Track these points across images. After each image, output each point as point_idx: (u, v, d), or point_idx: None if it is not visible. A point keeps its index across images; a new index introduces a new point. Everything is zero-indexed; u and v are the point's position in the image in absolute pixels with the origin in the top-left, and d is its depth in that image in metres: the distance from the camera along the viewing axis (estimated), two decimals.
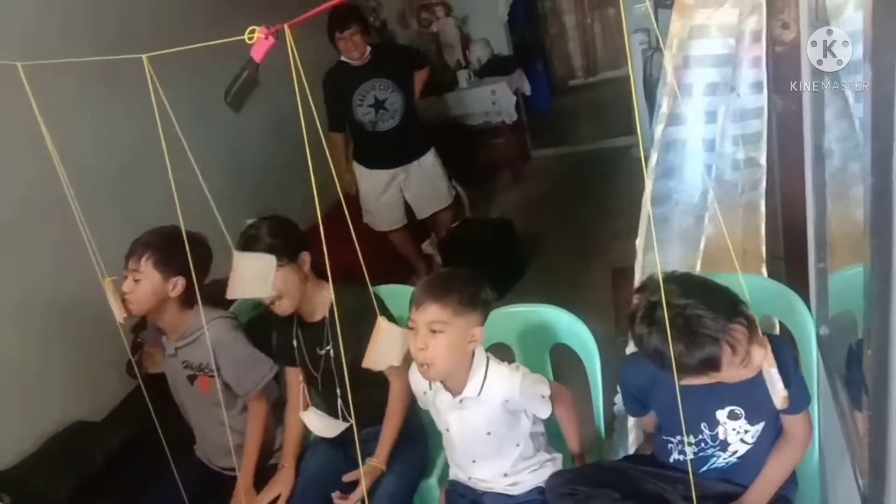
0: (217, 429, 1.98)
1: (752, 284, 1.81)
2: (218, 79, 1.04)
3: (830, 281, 1.45)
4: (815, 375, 1.59)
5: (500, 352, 1.94)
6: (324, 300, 1.88)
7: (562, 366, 1.97)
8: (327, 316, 1.87)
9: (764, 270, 1.89)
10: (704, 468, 1.56)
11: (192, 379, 1.98)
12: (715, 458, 1.54)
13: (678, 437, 1.58)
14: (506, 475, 1.70)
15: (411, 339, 1.54)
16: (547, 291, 3.62)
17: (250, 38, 0.92)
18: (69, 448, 2.32)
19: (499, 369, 1.62)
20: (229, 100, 0.96)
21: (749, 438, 1.50)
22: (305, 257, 1.84)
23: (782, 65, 1.70)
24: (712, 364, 1.27)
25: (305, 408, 1.92)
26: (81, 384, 2.57)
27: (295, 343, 1.93)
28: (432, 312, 1.51)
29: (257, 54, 0.91)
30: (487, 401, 1.61)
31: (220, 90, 1.02)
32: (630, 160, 5.03)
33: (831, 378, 1.35)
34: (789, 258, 1.88)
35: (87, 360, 2.58)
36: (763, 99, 1.73)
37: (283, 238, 1.80)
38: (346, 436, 1.88)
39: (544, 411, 1.64)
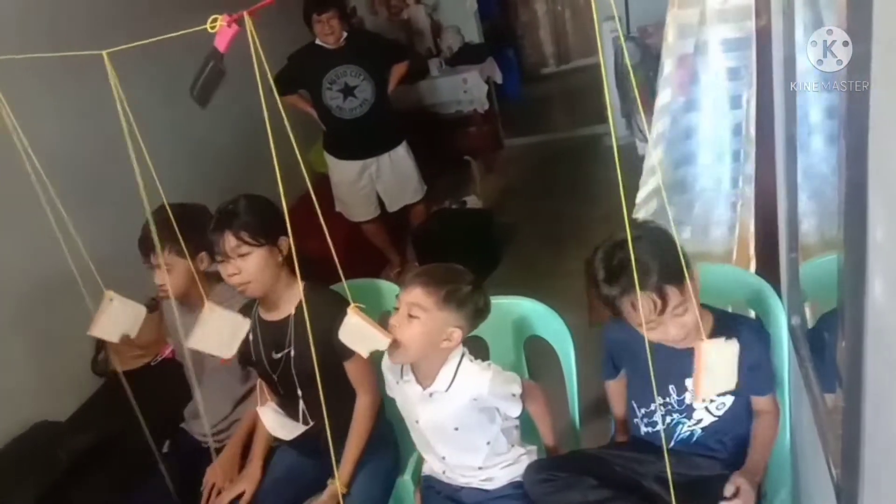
0: (222, 400, 2.04)
1: (725, 274, 1.83)
2: (187, 69, 1.01)
3: (802, 270, 1.45)
4: (787, 365, 1.60)
5: (475, 343, 1.93)
6: (290, 297, 1.79)
7: (536, 357, 1.96)
8: (293, 315, 1.78)
9: (752, 262, 1.89)
10: (672, 443, 1.60)
11: None
12: (680, 426, 1.58)
13: (643, 410, 1.64)
14: (480, 469, 1.69)
15: (392, 316, 1.53)
16: (522, 281, 3.62)
17: (212, 28, 0.89)
18: (33, 449, 2.27)
19: (470, 367, 1.61)
20: (195, 94, 0.93)
21: (714, 409, 1.55)
22: (284, 243, 1.74)
23: (756, 53, 1.69)
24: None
25: (263, 403, 1.84)
26: (45, 383, 2.51)
27: (251, 338, 1.82)
28: (415, 295, 1.49)
29: (220, 44, 0.88)
30: (456, 396, 1.59)
31: (190, 80, 0.99)
32: (603, 149, 5.04)
33: (803, 367, 1.35)
34: (760, 245, 1.89)
35: (50, 357, 2.52)
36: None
37: (261, 217, 1.71)
38: (314, 440, 1.84)
39: (514, 410, 1.63)
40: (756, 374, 1.51)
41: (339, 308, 1.74)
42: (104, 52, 1.04)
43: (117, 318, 1.52)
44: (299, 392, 1.79)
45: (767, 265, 1.77)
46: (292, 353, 1.77)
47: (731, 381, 1.05)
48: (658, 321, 1.39)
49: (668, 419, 1.59)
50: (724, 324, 1.52)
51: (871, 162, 0.78)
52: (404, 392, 1.67)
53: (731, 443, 1.58)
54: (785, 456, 1.65)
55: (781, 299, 1.61)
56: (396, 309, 1.53)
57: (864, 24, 0.74)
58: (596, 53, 6.35)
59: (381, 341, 1.35)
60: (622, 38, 3.59)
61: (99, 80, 1.07)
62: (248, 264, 1.68)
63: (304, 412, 1.80)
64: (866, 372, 0.90)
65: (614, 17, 4.44)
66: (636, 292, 1.32)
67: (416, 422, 1.67)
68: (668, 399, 1.57)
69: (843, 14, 0.80)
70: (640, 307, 1.35)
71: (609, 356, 1.71)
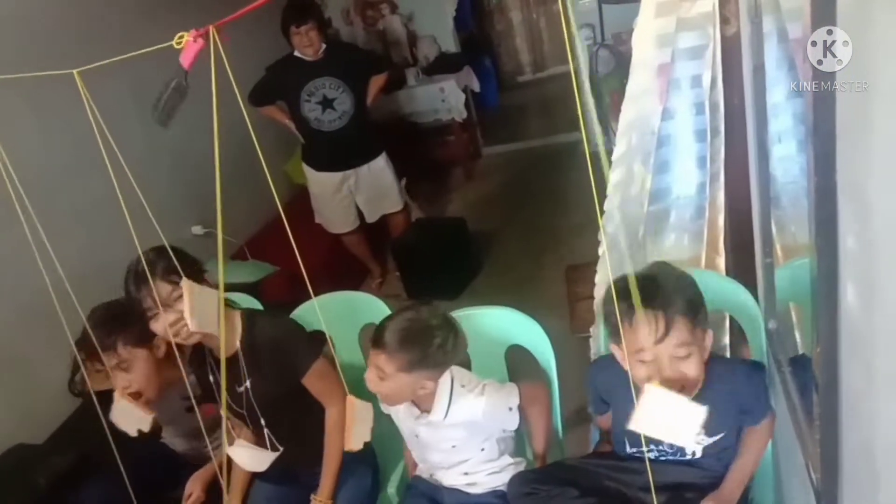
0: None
1: (702, 279, 1.83)
2: (158, 84, 1.00)
3: (777, 273, 1.46)
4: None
5: None
6: (234, 333, 1.73)
7: (518, 366, 1.96)
8: (239, 347, 1.71)
9: (721, 264, 1.90)
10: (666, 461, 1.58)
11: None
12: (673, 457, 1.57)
13: (631, 445, 1.62)
14: (466, 474, 1.71)
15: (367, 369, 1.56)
16: (502, 289, 3.62)
17: (179, 44, 0.88)
18: (10, 473, 2.22)
19: (463, 394, 1.61)
20: (156, 115, 0.91)
21: (706, 442, 1.53)
22: (207, 278, 1.68)
23: (725, 59, 1.71)
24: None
25: (231, 443, 1.76)
26: (21, 405, 2.47)
27: (212, 379, 1.75)
28: (381, 360, 1.50)
29: (185, 60, 0.87)
30: (453, 423, 1.61)
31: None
32: (580, 155, 5.07)
33: (781, 372, 1.36)
34: (735, 250, 1.90)
35: (26, 378, 2.48)
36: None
37: (178, 259, 1.58)
38: (291, 471, 1.82)
39: (511, 424, 1.64)
40: (748, 414, 1.50)
41: (278, 325, 1.75)
42: (75, 71, 1.03)
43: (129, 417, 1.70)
44: (262, 421, 1.75)
45: (742, 269, 1.78)
46: (248, 384, 1.72)
47: (666, 434, 0.97)
48: (654, 352, 1.31)
49: (664, 458, 1.57)
50: (717, 370, 1.45)
51: (839, 169, 0.78)
52: (400, 411, 1.69)
53: (728, 459, 1.56)
54: (767, 461, 1.65)
55: (758, 303, 1.62)
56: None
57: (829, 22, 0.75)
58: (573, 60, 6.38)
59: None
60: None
61: (67, 90, 1.05)
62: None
63: (270, 439, 1.76)
64: (841, 377, 0.90)
65: (591, 25, 4.49)
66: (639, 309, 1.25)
67: (416, 436, 1.70)
68: (661, 445, 1.55)
69: (807, 16, 0.80)
70: (640, 325, 1.28)
71: (597, 395, 1.67)
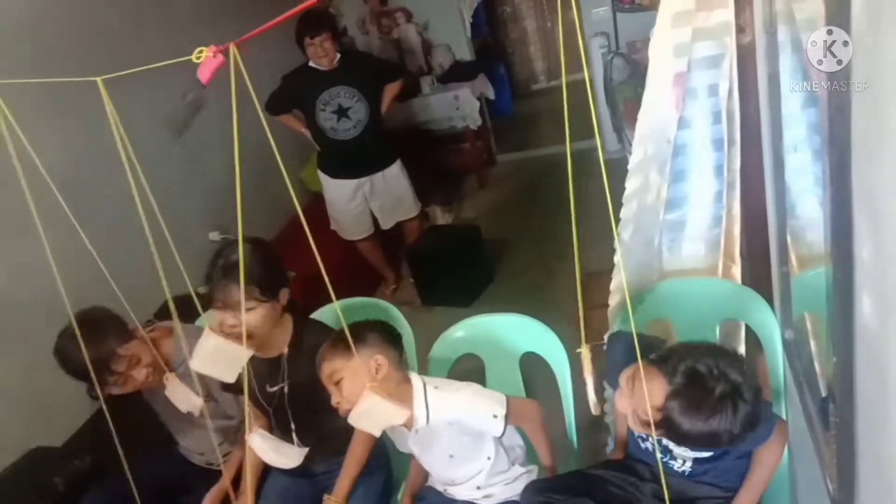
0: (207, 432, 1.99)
1: (718, 288, 1.84)
2: (177, 93, 1.02)
3: (794, 282, 1.46)
4: (782, 379, 1.60)
5: (470, 362, 1.93)
6: (281, 334, 1.78)
7: (533, 374, 1.96)
8: (285, 352, 1.77)
9: (737, 273, 1.90)
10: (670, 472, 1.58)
11: None
12: (673, 463, 1.56)
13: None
14: (479, 488, 1.71)
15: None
16: (516, 297, 3.62)
17: (198, 58, 0.90)
18: (29, 476, 2.24)
19: (438, 394, 1.61)
20: (170, 127, 0.93)
21: (697, 457, 1.53)
22: (284, 295, 1.72)
23: (740, 69, 1.71)
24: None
25: (251, 431, 1.77)
26: (40, 408, 2.50)
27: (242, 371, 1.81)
28: (326, 370, 1.54)
29: (203, 75, 0.88)
30: (437, 427, 1.61)
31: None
32: (594, 163, 5.05)
33: (797, 381, 1.36)
34: (752, 259, 1.90)
35: (44, 382, 2.51)
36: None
37: (269, 270, 1.67)
38: (308, 466, 1.84)
39: (496, 430, 1.60)
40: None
41: (329, 334, 1.74)
42: (99, 79, 1.05)
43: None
44: (292, 425, 1.79)
45: (758, 279, 1.77)
46: (286, 388, 1.77)
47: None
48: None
49: (667, 471, 1.56)
50: None
51: (854, 180, 0.78)
52: (397, 434, 1.72)
53: (732, 477, 1.55)
54: (783, 471, 1.64)
55: (775, 313, 1.61)
56: None
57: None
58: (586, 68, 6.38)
59: (399, 414, 1.47)
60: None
61: (80, 95, 1.07)
62: (251, 318, 1.62)
63: (297, 442, 1.80)
64: (857, 387, 0.90)
65: (605, 33, 4.50)
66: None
67: (420, 456, 1.73)
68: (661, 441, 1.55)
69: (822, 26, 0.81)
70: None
71: (615, 368, 1.65)
